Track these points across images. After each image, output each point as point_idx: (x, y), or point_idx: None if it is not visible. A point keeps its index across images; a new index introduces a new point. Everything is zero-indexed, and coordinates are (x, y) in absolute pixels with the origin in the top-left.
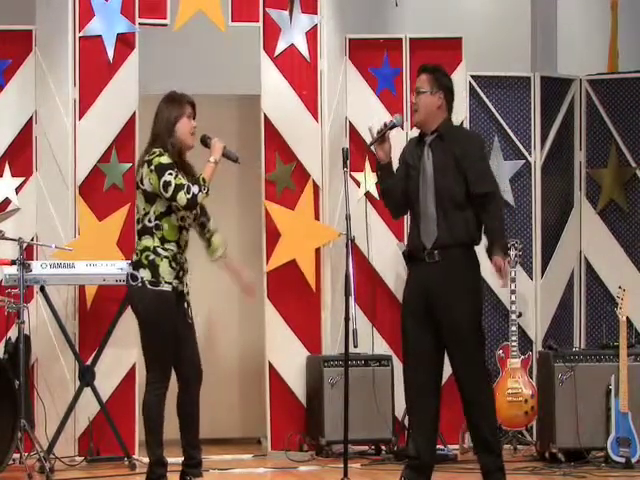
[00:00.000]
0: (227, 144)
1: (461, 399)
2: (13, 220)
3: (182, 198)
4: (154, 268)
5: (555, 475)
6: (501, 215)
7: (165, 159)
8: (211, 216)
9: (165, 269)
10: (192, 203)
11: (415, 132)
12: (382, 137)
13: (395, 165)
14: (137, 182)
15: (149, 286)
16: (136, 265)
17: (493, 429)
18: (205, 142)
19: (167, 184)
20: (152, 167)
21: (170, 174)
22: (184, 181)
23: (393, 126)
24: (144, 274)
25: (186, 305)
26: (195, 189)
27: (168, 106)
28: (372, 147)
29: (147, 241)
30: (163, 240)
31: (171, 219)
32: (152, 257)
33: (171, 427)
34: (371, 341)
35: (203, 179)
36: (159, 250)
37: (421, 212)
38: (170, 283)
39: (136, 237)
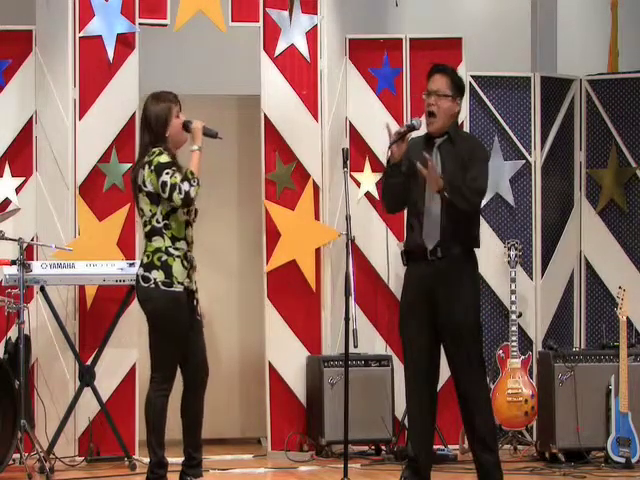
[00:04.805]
0: (227, 144)
1: (457, 396)
2: (13, 220)
3: (176, 199)
4: (167, 269)
5: (555, 475)
6: (468, 192)
7: (164, 158)
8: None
9: (178, 269)
10: (186, 201)
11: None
12: (402, 138)
13: None
14: (139, 185)
15: (162, 287)
16: (148, 267)
17: (489, 426)
18: (187, 127)
19: (164, 184)
20: (152, 168)
21: (167, 173)
22: (177, 180)
23: (413, 128)
24: (157, 275)
25: (195, 302)
26: (185, 186)
27: (158, 106)
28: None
29: (158, 242)
30: (174, 239)
31: (178, 215)
32: (165, 258)
33: (171, 427)
34: (371, 341)
35: (191, 172)
36: (171, 250)
37: (425, 212)
38: (182, 283)
39: (145, 239)
